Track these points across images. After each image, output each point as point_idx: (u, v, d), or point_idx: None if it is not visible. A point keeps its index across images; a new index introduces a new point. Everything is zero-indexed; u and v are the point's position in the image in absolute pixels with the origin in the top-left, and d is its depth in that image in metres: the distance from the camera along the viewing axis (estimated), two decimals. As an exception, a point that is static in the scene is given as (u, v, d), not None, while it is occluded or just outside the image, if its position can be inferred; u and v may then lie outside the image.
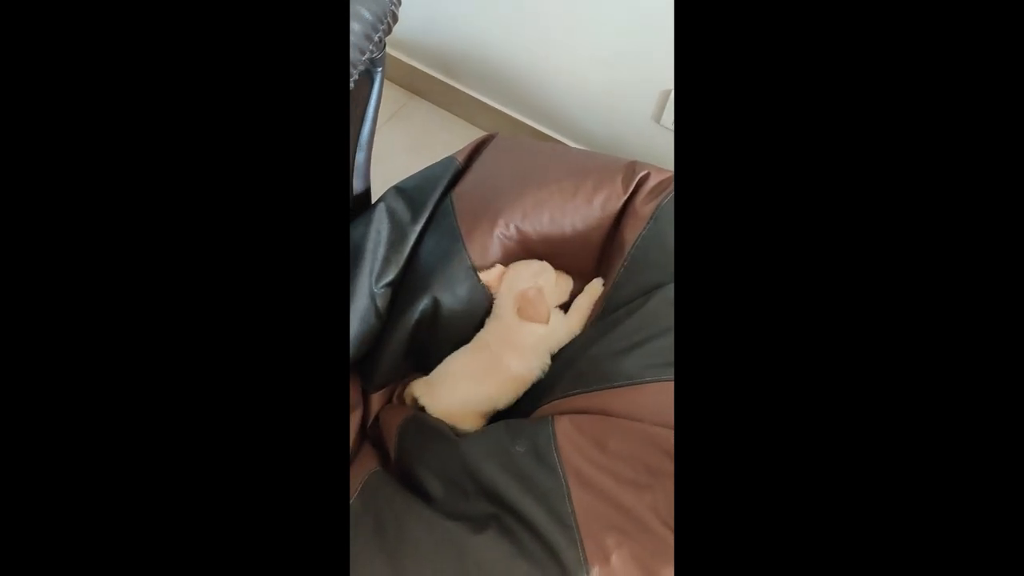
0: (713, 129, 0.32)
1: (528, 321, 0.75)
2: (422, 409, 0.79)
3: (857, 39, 0.30)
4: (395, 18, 0.63)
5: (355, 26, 0.57)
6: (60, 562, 0.29)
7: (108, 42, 0.30)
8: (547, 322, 0.75)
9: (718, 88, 0.32)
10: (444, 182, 0.86)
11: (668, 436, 0.59)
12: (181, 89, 0.31)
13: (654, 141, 1.01)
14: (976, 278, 0.29)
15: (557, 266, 0.82)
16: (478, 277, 0.80)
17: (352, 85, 0.61)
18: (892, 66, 0.30)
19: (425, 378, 0.81)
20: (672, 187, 0.78)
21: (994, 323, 0.29)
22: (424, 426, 0.76)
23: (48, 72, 0.30)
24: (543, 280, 0.78)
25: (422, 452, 0.72)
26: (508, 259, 0.81)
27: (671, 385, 0.64)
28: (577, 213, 0.80)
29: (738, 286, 0.31)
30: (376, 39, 0.60)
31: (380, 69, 0.74)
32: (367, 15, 0.57)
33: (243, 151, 0.31)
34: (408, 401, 0.81)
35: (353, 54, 0.58)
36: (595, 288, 0.80)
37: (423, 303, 0.80)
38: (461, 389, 0.77)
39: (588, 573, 0.53)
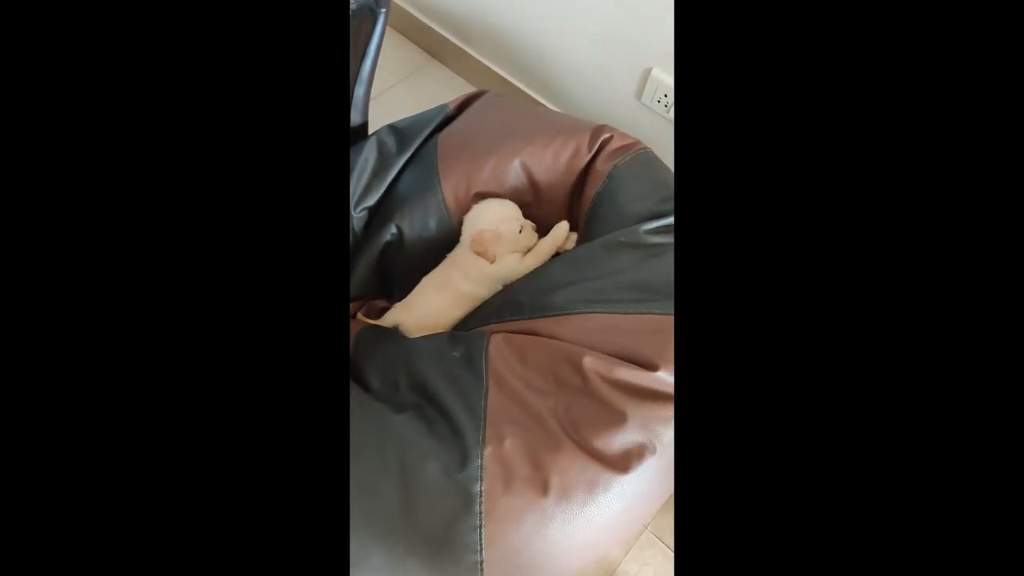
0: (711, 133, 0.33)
1: (478, 256, 0.83)
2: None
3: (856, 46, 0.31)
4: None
5: (354, -42, 0.65)
6: (42, 534, 0.29)
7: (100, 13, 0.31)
8: (492, 262, 0.83)
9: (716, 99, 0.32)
10: (433, 125, 0.94)
11: (581, 353, 0.67)
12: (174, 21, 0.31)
13: (635, 117, 1.08)
14: (977, 296, 0.29)
15: (527, 216, 0.89)
16: (448, 212, 0.88)
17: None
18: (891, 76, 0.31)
19: (404, 299, 0.89)
20: (633, 149, 0.85)
21: (993, 331, 0.29)
22: (380, 331, 0.84)
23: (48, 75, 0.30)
24: (505, 228, 0.84)
25: (372, 352, 0.80)
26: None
27: (592, 316, 0.71)
28: (543, 166, 0.88)
29: (737, 291, 0.32)
30: (374, -25, 0.68)
31: (384, 10, 0.83)
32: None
33: (243, 79, 0.32)
34: (387, 323, 0.87)
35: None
36: (559, 232, 0.87)
37: (393, 228, 0.88)
38: (427, 303, 0.86)
39: (483, 450, 0.61)
